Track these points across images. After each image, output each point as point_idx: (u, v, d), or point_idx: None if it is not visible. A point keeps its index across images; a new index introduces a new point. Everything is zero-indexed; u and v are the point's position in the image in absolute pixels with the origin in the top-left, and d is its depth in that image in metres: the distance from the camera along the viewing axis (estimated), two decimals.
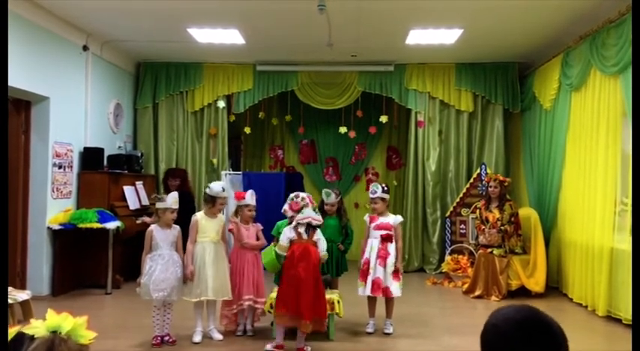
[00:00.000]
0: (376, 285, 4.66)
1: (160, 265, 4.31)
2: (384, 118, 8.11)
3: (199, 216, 4.66)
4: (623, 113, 5.16)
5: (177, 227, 4.54)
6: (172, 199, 4.51)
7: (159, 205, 4.52)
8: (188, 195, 7.41)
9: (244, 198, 4.73)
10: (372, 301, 4.82)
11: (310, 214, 4.26)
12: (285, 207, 4.44)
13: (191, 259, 4.47)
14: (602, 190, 5.44)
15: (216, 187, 4.70)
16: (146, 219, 6.67)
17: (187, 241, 4.58)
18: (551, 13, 5.74)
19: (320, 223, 4.31)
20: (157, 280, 4.27)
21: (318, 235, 4.29)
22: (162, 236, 4.42)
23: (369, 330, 4.76)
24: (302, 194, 4.43)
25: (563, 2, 5.41)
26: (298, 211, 4.28)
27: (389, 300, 4.77)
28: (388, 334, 4.73)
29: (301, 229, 4.24)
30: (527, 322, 1.35)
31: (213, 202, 4.66)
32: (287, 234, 4.27)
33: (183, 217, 7.23)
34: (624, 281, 4.98)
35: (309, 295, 4.05)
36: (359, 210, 9.05)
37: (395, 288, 4.69)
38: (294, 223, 4.27)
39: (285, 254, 4.23)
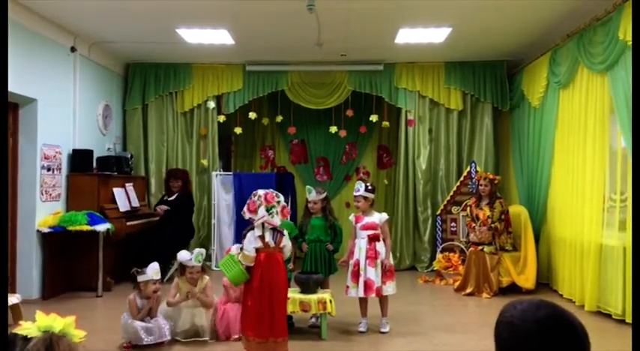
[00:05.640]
0: (368, 286, 4.65)
1: (144, 330, 4.26)
2: (374, 117, 8.13)
3: (179, 280, 4.57)
4: (610, 110, 5.21)
5: (158, 294, 4.43)
6: (153, 271, 4.41)
7: (140, 278, 4.36)
8: (189, 197, 7.40)
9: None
10: (363, 301, 4.82)
11: (261, 215, 3.77)
12: (244, 208, 3.91)
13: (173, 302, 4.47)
14: (590, 187, 5.49)
15: (182, 254, 4.52)
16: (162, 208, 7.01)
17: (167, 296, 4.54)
18: (538, 11, 5.78)
19: (273, 225, 3.82)
20: (144, 336, 4.26)
21: (285, 242, 3.88)
22: (141, 305, 4.37)
23: (362, 329, 4.76)
24: (260, 192, 3.85)
25: (550, 1, 5.44)
26: (257, 211, 3.81)
27: (383, 299, 4.77)
28: (384, 332, 4.73)
29: (267, 236, 3.79)
30: (549, 321, 1.21)
31: (182, 270, 4.55)
32: (252, 241, 3.80)
33: (185, 224, 7.28)
34: (613, 277, 5.03)
35: (282, 313, 3.81)
36: (350, 209, 9.06)
37: (387, 287, 4.71)
38: (256, 228, 3.81)
39: (251, 265, 3.80)
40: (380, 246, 4.73)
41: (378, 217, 4.81)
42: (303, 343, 4.38)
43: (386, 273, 4.73)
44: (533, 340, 1.19)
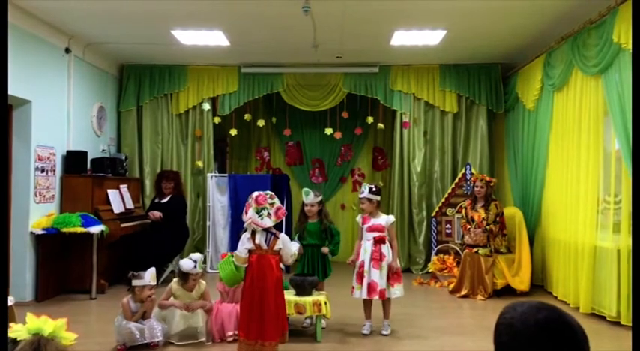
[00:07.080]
0: (371, 288, 4.65)
1: (138, 330, 4.26)
2: (369, 119, 8.13)
3: (174, 285, 4.55)
4: (604, 112, 5.24)
5: (152, 297, 4.41)
6: (150, 276, 4.38)
7: (135, 282, 4.32)
8: (182, 200, 7.37)
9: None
10: (367, 303, 4.81)
11: (249, 216, 3.78)
12: (244, 211, 3.92)
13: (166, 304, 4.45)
14: (584, 189, 5.51)
15: (186, 263, 4.48)
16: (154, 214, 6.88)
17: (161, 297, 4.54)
18: (533, 14, 5.80)
19: (261, 227, 3.79)
20: (138, 336, 4.26)
21: (280, 244, 3.83)
22: (135, 309, 4.36)
23: (365, 331, 4.75)
24: (254, 194, 3.87)
25: (544, 3, 5.47)
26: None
27: (386, 301, 4.77)
28: (385, 334, 4.72)
29: (259, 238, 3.80)
30: (549, 323, 1.21)
31: (185, 279, 4.52)
32: (244, 243, 3.82)
33: (179, 226, 7.26)
34: (607, 279, 5.05)
35: (271, 317, 3.76)
36: (345, 211, 9.09)
37: (394, 289, 4.71)
38: (247, 230, 3.85)
39: (244, 266, 3.86)
40: (385, 248, 4.72)
41: (385, 220, 4.80)
42: (297, 345, 4.37)
43: (393, 275, 4.73)
44: (533, 342, 1.19)
